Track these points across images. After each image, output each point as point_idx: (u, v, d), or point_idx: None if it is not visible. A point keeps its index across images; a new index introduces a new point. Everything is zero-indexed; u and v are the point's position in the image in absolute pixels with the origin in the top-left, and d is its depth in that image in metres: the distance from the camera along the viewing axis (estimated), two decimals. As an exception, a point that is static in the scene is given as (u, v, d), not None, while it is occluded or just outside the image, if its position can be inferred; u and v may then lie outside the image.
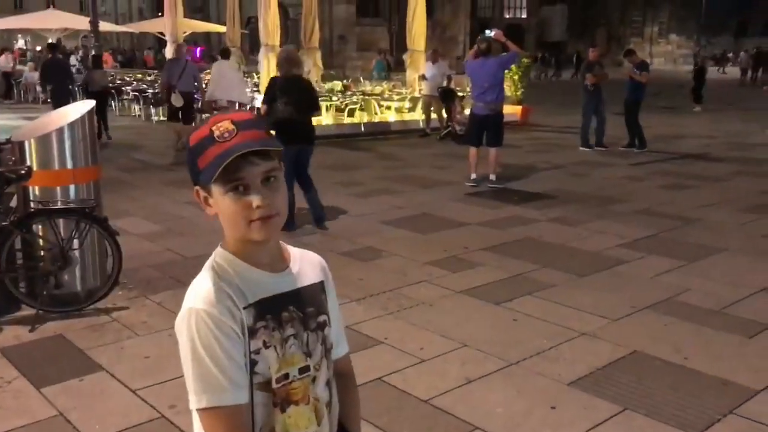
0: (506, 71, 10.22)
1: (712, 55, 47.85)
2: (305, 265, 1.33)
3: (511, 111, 14.95)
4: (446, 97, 13.27)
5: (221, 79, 11.18)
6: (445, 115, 13.42)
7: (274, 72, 13.55)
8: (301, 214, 6.60)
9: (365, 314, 4.34)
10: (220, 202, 1.16)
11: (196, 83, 11.31)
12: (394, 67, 23.97)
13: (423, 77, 14.01)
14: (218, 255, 1.22)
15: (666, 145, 12.20)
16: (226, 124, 1.14)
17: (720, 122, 15.92)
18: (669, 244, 6.03)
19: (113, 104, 16.64)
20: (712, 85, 24.63)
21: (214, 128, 1.14)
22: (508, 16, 49.19)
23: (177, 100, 10.59)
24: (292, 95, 6.12)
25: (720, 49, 47.55)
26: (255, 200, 1.14)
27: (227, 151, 1.11)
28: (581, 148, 11.51)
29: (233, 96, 11.25)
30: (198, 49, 35.49)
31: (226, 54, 12.93)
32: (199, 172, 1.15)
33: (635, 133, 11.65)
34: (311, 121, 6.46)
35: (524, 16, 49.15)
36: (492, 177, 8.56)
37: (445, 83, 13.45)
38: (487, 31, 9.63)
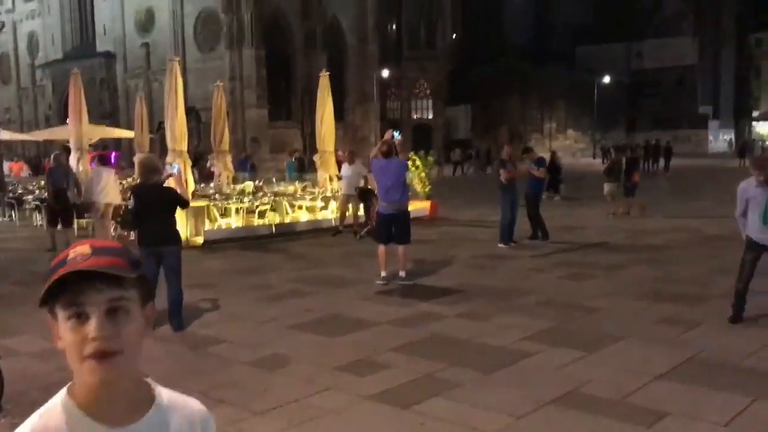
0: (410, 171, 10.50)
1: (606, 148, 51.04)
2: (174, 418, 1.12)
3: (420, 206, 15.35)
4: (365, 196, 13.48)
5: (97, 182, 11.45)
6: (362, 214, 13.62)
7: (184, 177, 13.53)
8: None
9: (268, 429, 4.18)
10: (62, 331, 1.03)
11: (75, 187, 11.77)
12: (307, 167, 24.36)
13: (340, 177, 14.24)
14: (58, 397, 1.09)
15: (568, 235, 12.72)
16: (84, 248, 1.05)
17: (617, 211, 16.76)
18: (571, 334, 6.18)
19: (13, 214, 16.00)
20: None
21: (71, 251, 1.05)
22: (415, 117, 51.27)
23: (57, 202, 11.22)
24: (151, 201, 6.43)
25: (612, 142, 50.83)
26: (91, 331, 1.00)
27: (66, 272, 1.01)
28: (499, 245, 11.52)
29: (108, 198, 11.52)
30: (113, 154, 34.93)
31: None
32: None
33: (538, 225, 12.11)
34: (173, 223, 6.65)
35: (431, 116, 51.36)
36: (401, 274, 8.64)
37: (362, 183, 13.71)
38: (396, 134, 9.98)
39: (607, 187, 16.24)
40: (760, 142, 47.36)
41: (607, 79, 52.96)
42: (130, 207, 6.88)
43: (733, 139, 60.72)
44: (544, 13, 59.29)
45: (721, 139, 59.58)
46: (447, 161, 36.83)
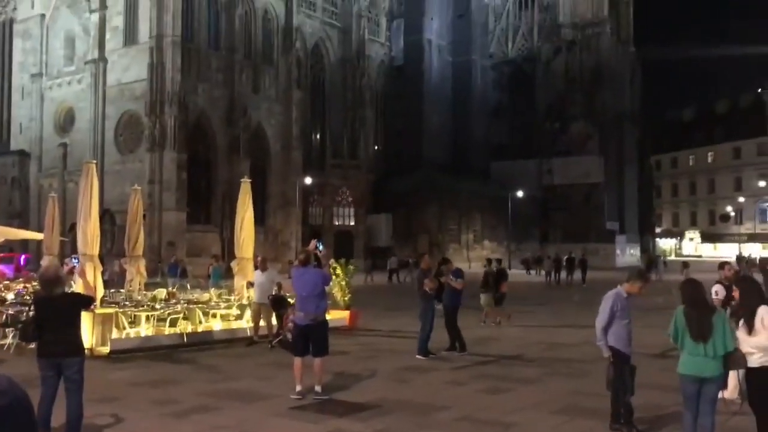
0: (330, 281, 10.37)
1: (522, 260, 52.62)
2: None
3: (339, 316, 15.17)
4: (277, 304, 13.23)
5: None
6: (275, 323, 13.29)
7: (94, 281, 12.95)
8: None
9: None
10: None
11: None
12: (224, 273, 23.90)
13: (251, 285, 14.00)
14: None
15: (484, 347, 12.77)
16: None
17: (531, 323, 17.08)
18: (489, 452, 6.07)
19: None
20: (521, 287, 26.87)
21: None
22: (337, 223, 51.69)
23: None
24: (53, 311, 6.06)
25: (529, 253, 52.58)
26: None
27: None
28: (417, 356, 11.40)
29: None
30: (23, 257, 33.26)
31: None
32: None
33: (456, 337, 12.13)
34: (77, 333, 6.29)
35: (352, 223, 51.93)
36: (317, 388, 8.37)
37: (275, 290, 13.48)
38: (319, 245, 9.94)
39: (483, 298, 16.69)
40: (662, 257, 49.93)
41: (520, 194, 55.39)
42: (30, 316, 6.46)
43: (639, 254, 63.87)
44: (461, 130, 62.27)
45: (628, 253, 62.58)
46: (372, 268, 36.92)
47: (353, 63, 55.39)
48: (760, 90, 66.23)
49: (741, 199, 73.95)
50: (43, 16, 45.03)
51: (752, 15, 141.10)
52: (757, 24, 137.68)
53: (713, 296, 8.58)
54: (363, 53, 55.93)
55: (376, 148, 57.63)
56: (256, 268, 14.45)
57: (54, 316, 6.02)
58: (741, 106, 78.94)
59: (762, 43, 67.09)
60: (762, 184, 70.10)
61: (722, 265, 9.56)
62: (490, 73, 67.93)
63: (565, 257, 38.09)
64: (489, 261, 19.10)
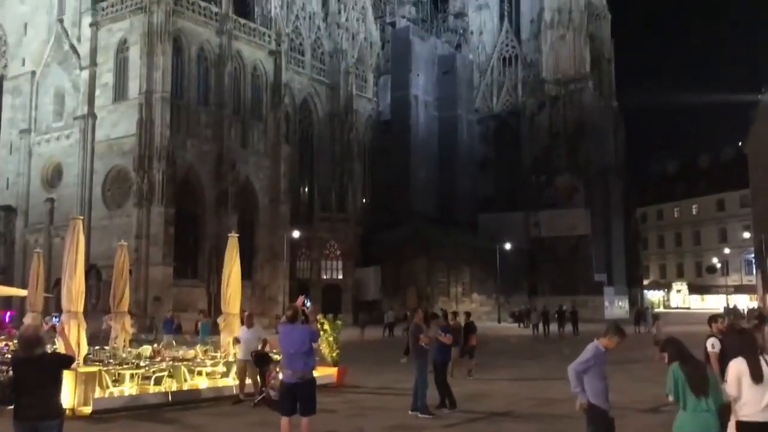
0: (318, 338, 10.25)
1: (511, 312, 52.42)
2: None
3: (327, 373, 14.94)
4: (260, 361, 13.03)
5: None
6: (259, 380, 13.07)
7: (78, 339, 12.75)
8: None
9: None
10: None
11: None
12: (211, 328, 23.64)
13: (237, 341, 13.85)
14: None
15: (475, 403, 12.60)
16: None
17: (521, 377, 16.91)
18: None
19: None
20: (510, 341, 26.72)
21: None
22: (325, 277, 51.45)
23: None
24: (31, 373, 5.86)
25: (518, 306, 52.43)
26: None
27: None
28: (415, 413, 11.20)
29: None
30: (7, 313, 32.68)
31: None
32: None
33: (444, 393, 11.97)
34: (56, 395, 6.07)
35: (341, 277, 51.71)
36: (305, 448, 8.20)
37: (260, 347, 13.30)
38: (307, 302, 9.87)
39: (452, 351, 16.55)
40: (649, 309, 49.92)
41: (508, 246, 55.52)
42: (7, 377, 6.30)
43: (627, 306, 63.84)
44: (448, 183, 62.77)
45: (616, 305, 62.52)
46: (366, 323, 36.52)
47: (341, 118, 56.10)
48: (740, 143, 67.46)
49: (726, 251, 74.47)
50: (33, 73, 45.48)
51: (731, 66, 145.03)
52: (736, 76, 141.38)
53: (710, 349, 8.59)
54: (351, 108, 56.71)
55: (364, 201, 57.89)
56: (242, 323, 14.31)
57: (32, 377, 5.86)
58: (722, 159, 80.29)
59: (741, 92, 68.60)
60: (746, 235, 70.78)
61: (714, 318, 9.56)
62: (475, 127, 68.92)
63: (556, 310, 38.03)
64: (455, 314, 18.99)
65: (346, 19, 58.41)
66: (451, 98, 64.59)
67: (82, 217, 15.12)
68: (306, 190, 55.10)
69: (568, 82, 65.97)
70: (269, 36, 48.31)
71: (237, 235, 16.52)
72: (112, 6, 42.42)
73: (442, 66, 64.97)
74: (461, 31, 70.59)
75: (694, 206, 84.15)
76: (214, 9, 44.57)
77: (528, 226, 62.69)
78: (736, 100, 65.89)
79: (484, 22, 74.22)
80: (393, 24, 63.50)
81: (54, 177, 44.27)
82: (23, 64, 46.63)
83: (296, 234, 46.44)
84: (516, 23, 73.17)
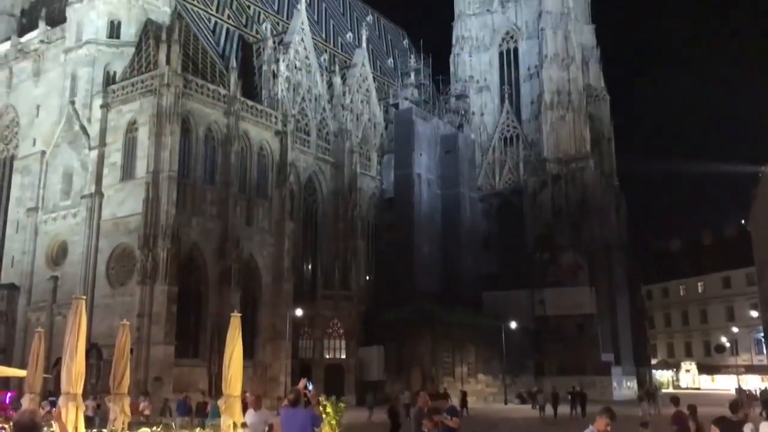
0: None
1: (518, 393, 51.36)
2: None
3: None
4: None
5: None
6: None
7: (76, 421, 12.48)
8: None
9: None
10: None
11: None
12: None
13: (244, 425, 13.58)
14: None
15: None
16: None
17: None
18: None
19: None
20: (518, 423, 25.99)
21: None
22: (328, 356, 50.71)
23: None
24: None
25: (525, 387, 51.43)
26: None
27: None
28: None
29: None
30: (8, 394, 32.06)
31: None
32: None
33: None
34: None
35: (344, 356, 50.94)
36: None
37: (266, 430, 13.05)
38: (309, 385, 9.72)
39: None
40: (658, 390, 48.84)
41: (513, 325, 54.91)
42: None
43: (636, 387, 62.55)
44: (452, 261, 62.73)
45: (625, 385, 61.28)
46: (374, 404, 35.57)
47: (345, 195, 56.65)
48: (743, 221, 67.70)
49: (735, 329, 73.53)
50: (43, 152, 46.34)
51: (731, 140, 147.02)
52: (736, 150, 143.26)
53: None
54: (355, 186, 57.35)
55: (367, 278, 57.71)
56: (244, 406, 14.04)
57: None
58: (726, 235, 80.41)
59: (742, 165, 69.19)
60: (754, 314, 70.02)
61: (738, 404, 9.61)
62: (478, 204, 69.46)
63: (569, 390, 37.37)
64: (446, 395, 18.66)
65: (351, 101, 59.83)
66: (454, 176, 65.37)
67: (84, 297, 15.11)
68: (309, 267, 55.05)
69: (569, 161, 66.94)
70: (276, 117, 49.42)
71: (239, 314, 16.42)
72: (123, 88, 43.62)
73: (445, 145, 66.07)
74: (463, 112, 72.11)
75: (699, 284, 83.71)
76: (222, 91, 45.79)
77: (533, 304, 62.23)
78: (737, 173, 66.54)
79: (485, 104, 76.02)
80: (396, 105, 64.97)
81: (59, 255, 44.40)
82: (34, 145, 47.62)
83: (299, 312, 46.12)
84: (516, 104, 74.91)
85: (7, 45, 51.99)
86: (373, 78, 65.09)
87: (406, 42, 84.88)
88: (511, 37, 77.20)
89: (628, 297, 68.95)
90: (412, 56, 70.63)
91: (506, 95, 74.88)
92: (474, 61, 77.33)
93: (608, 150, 73.97)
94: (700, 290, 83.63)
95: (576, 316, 60.62)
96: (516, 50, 76.55)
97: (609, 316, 63.29)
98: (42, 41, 49.24)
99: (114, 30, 45.92)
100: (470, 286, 62.36)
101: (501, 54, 77.66)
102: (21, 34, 52.45)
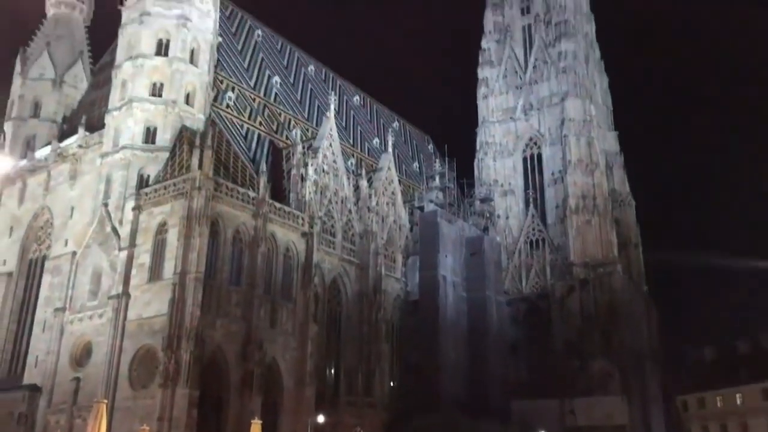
0: None
1: None
2: None
3: None
4: None
5: None
6: None
7: None
8: None
9: None
10: None
11: None
12: None
13: None
14: None
15: None
16: None
17: None
18: None
19: None
20: None
21: None
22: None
23: None
24: None
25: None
26: None
27: None
28: None
29: None
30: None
31: None
32: None
33: None
34: None
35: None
36: None
37: None
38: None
39: None
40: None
41: (542, 436, 52.75)
42: None
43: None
44: (479, 366, 61.23)
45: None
46: None
47: (370, 297, 56.31)
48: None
49: (778, 444, 69.73)
50: (74, 253, 47.10)
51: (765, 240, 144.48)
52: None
53: None
54: (379, 288, 57.09)
55: (391, 384, 56.36)
56: None
57: None
58: (763, 345, 77.78)
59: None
60: (798, 427, 66.56)
61: None
62: (505, 308, 68.48)
63: None
64: None
65: (377, 203, 60.61)
66: (480, 279, 64.87)
67: (106, 401, 14.94)
68: (332, 371, 54.01)
69: (596, 266, 66.35)
70: (302, 219, 50.08)
71: (260, 421, 16.05)
72: (156, 191, 44.74)
73: (470, 248, 66.02)
74: (488, 215, 72.56)
75: (737, 395, 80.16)
76: (252, 194, 46.72)
77: (563, 414, 59.92)
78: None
79: (510, 207, 76.58)
80: (421, 208, 65.60)
81: (83, 356, 44.22)
82: (66, 245, 48.52)
83: (321, 419, 44.85)
84: (541, 208, 75.32)
85: (47, 149, 54.13)
86: (399, 181, 66.19)
87: (431, 147, 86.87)
88: (535, 143, 78.66)
89: (663, 408, 66.26)
90: (437, 160, 72.07)
91: (531, 199, 75.51)
92: (498, 165, 78.63)
93: (636, 255, 73.44)
94: (738, 402, 79.98)
95: (607, 428, 58.11)
96: (540, 155, 77.80)
97: (642, 428, 60.68)
98: (80, 146, 51.18)
99: (150, 136, 47.63)
100: (498, 393, 60.46)
101: (525, 159, 78.93)
102: (61, 139, 54.66)
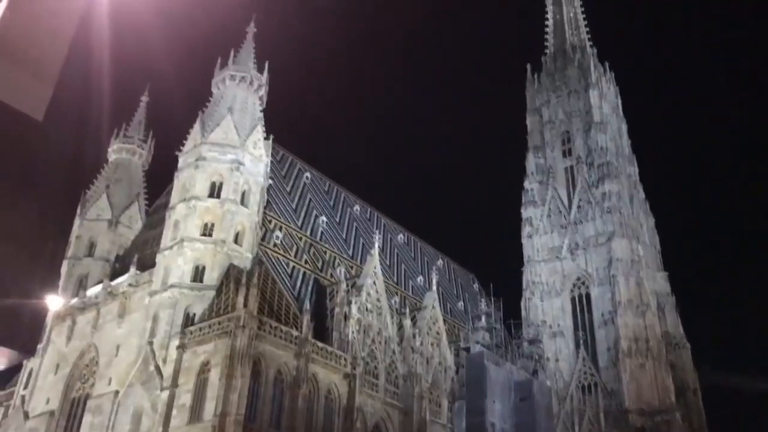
0: None
1: None
2: None
3: None
4: None
5: None
6: None
7: None
8: None
9: None
10: None
11: None
12: None
13: None
14: None
15: None
16: None
17: None
18: None
19: None
20: None
21: None
22: None
23: None
24: None
25: None
26: None
27: None
28: None
29: None
30: None
31: None
32: None
33: None
34: None
35: None
36: None
37: None
38: None
39: None
40: None
41: None
42: None
43: None
44: None
45: None
46: None
47: (413, 446, 53.82)
48: None
49: None
50: (116, 392, 46.75)
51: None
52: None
53: None
54: (424, 435, 54.67)
55: None
56: None
57: None
58: None
59: None
60: None
61: None
62: (557, 458, 64.54)
63: None
64: None
65: (421, 344, 59.40)
66: (530, 426, 61.46)
67: None
68: None
69: (653, 414, 62.82)
70: (345, 359, 49.19)
71: None
72: (200, 330, 44.82)
73: (519, 392, 63.24)
74: (537, 357, 70.14)
75: None
76: (295, 333, 46.40)
77: None
78: None
79: (560, 349, 74.25)
80: (467, 349, 63.78)
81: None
82: (109, 384, 48.27)
83: None
84: (592, 350, 72.79)
85: (98, 288, 55.37)
86: (444, 321, 65.17)
87: (476, 285, 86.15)
88: (583, 283, 77.42)
89: None
90: (483, 300, 71.19)
91: (581, 341, 73.14)
92: (546, 305, 77.17)
93: (695, 401, 69.46)
94: None
95: None
96: (588, 296, 76.28)
97: None
98: (130, 284, 52.24)
99: (198, 274, 48.48)
100: None
101: (573, 299, 77.40)
102: (113, 277, 55.99)
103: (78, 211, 63.33)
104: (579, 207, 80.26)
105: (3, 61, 12.73)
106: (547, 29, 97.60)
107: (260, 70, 59.90)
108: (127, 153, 67.58)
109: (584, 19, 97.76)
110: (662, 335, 68.79)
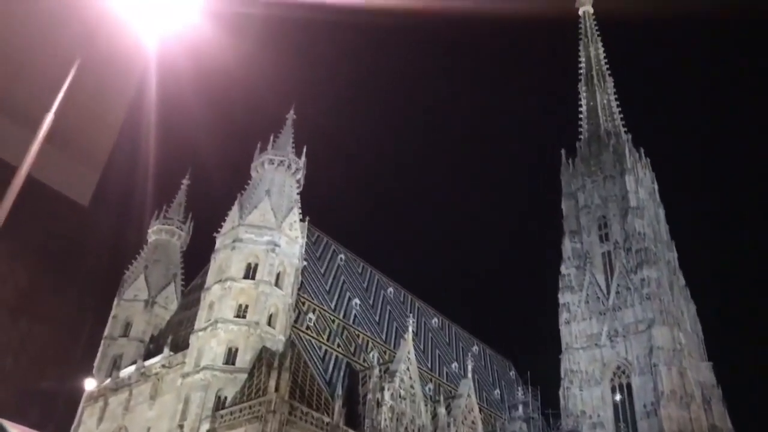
0: None
1: None
2: None
3: None
4: None
5: None
6: None
7: None
8: None
9: None
10: None
11: None
12: None
13: None
14: None
15: None
16: None
17: None
18: None
19: None
20: None
21: None
22: None
23: None
24: None
25: None
26: None
27: None
28: None
29: None
30: None
31: None
32: None
33: None
34: None
35: None
36: None
37: None
38: None
39: None
40: None
41: None
42: None
43: None
44: None
45: None
46: None
47: None
48: None
49: None
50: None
51: None
52: None
53: None
54: None
55: None
56: None
57: None
58: None
59: None
60: None
61: None
62: None
63: None
64: None
65: (456, 435, 57.53)
66: None
67: None
68: None
69: None
70: (378, 451, 47.74)
71: None
72: (231, 414, 44.17)
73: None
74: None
75: None
76: (326, 419, 45.42)
77: None
78: None
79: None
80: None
81: None
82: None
83: None
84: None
85: (132, 368, 55.30)
86: (479, 409, 63.20)
87: (512, 373, 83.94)
88: (623, 372, 74.79)
89: None
90: (520, 388, 69.18)
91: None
92: (585, 395, 74.39)
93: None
94: None
95: None
96: (629, 385, 73.51)
97: None
98: (163, 365, 52.10)
99: (230, 356, 48.21)
100: None
101: (613, 388, 74.64)
102: (146, 358, 55.96)
103: (117, 291, 64.07)
104: (617, 293, 78.50)
105: (55, 148, 13.25)
106: (581, 115, 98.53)
107: (298, 154, 61.23)
108: (166, 234, 68.74)
109: (617, 105, 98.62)
110: (709, 429, 65.50)
